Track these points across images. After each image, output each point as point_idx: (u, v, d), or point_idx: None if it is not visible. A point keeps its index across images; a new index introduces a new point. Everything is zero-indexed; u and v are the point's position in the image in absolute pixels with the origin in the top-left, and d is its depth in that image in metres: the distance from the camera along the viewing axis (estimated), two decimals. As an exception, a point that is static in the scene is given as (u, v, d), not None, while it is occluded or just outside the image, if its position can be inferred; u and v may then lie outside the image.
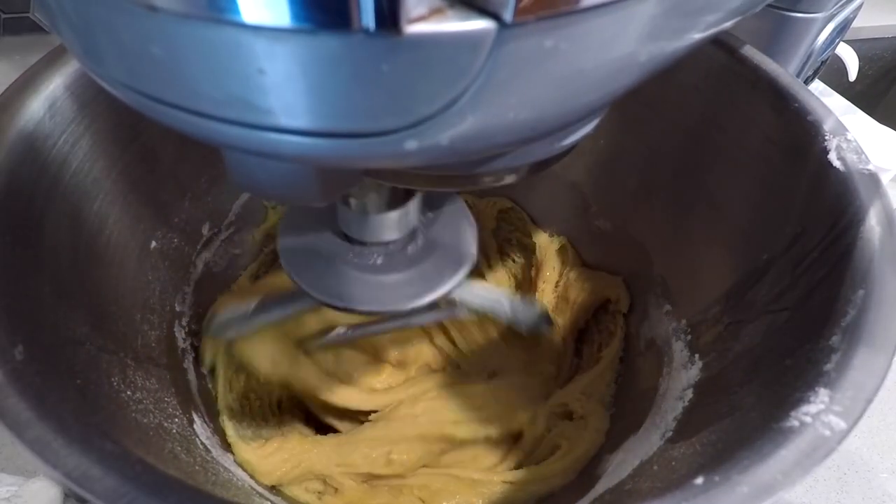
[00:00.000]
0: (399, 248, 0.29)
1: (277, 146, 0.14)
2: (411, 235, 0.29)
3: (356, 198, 0.26)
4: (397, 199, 0.26)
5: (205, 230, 0.42)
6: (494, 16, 0.11)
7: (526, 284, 0.50)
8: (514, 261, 0.52)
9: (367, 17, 0.10)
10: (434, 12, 0.10)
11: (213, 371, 0.42)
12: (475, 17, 0.11)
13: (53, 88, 0.31)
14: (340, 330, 0.42)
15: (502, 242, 0.52)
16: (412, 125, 0.12)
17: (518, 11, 0.11)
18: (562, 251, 0.48)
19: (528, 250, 0.50)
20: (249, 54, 0.11)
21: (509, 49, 0.11)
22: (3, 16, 0.61)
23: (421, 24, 0.11)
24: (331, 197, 0.17)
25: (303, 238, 0.30)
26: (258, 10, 0.11)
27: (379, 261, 0.29)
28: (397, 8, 0.10)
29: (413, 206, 0.27)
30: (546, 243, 0.49)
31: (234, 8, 0.11)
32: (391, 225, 0.27)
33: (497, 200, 0.50)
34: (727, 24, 0.17)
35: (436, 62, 0.11)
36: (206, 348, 0.41)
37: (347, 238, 0.29)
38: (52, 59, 0.32)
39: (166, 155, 0.37)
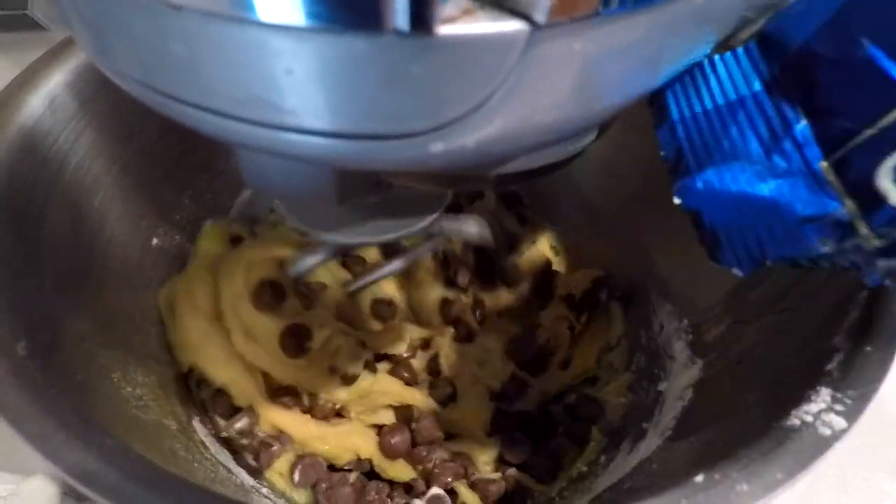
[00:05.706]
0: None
1: (299, 147, 0.14)
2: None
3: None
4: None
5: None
6: (526, 17, 0.11)
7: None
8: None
9: (401, 19, 0.10)
10: (464, 13, 0.10)
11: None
12: (506, 18, 0.11)
13: (54, 85, 0.31)
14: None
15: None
16: (439, 127, 0.12)
17: (550, 13, 0.11)
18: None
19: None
20: (277, 55, 0.11)
21: (540, 51, 0.11)
22: (1, 12, 0.60)
23: (452, 25, 0.11)
24: (349, 197, 0.17)
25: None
26: (287, 10, 0.11)
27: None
28: (429, 9, 0.10)
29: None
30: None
31: (262, 7, 0.11)
32: None
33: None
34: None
35: (466, 64, 0.11)
36: None
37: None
38: (52, 56, 0.31)
39: (167, 152, 0.37)
